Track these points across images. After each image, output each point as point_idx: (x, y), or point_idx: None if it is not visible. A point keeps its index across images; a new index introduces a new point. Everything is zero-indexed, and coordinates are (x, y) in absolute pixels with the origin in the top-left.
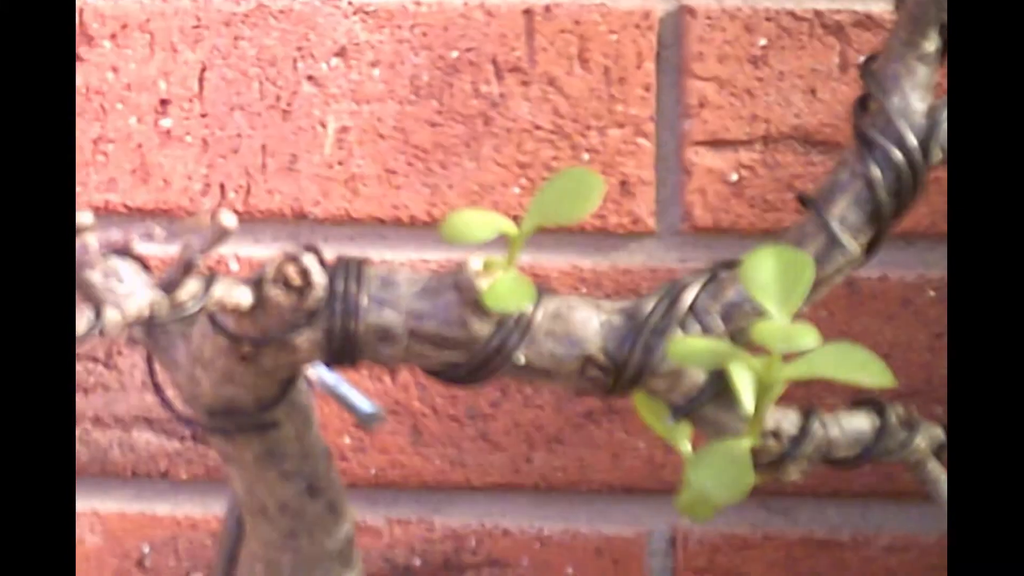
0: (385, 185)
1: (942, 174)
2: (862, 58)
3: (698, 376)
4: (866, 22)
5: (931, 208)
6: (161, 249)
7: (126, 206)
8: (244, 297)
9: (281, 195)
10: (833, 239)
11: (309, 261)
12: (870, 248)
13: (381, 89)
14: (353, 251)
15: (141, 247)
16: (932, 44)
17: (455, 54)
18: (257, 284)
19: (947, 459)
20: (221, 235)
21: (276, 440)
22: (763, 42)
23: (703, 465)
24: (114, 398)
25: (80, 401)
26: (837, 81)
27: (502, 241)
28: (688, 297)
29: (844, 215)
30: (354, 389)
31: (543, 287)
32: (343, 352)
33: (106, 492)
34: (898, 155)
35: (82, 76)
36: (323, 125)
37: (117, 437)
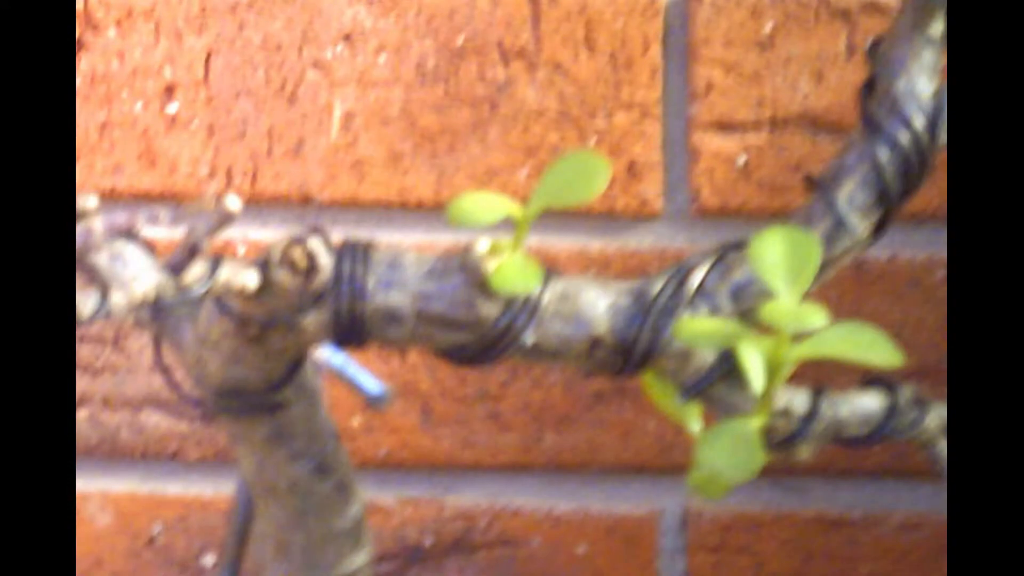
0: (392, 169)
1: None
2: (869, 42)
3: (707, 356)
4: (873, 7)
5: (939, 189)
6: (167, 233)
7: (132, 191)
8: (250, 279)
9: (288, 179)
10: (840, 220)
11: (315, 244)
12: (877, 229)
13: (387, 74)
14: (360, 235)
15: (147, 231)
16: (939, 27)
17: (461, 39)
18: (263, 267)
19: (947, 440)
20: (226, 219)
21: (284, 421)
22: (770, 27)
23: (713, 444)
24: (122, 380)
25: (89, 383)
26: (844, 66)
27: (509, 224)
28: (696, 278)
29: (851, 196)
30: (363, 370)
31: (550, 269)
32: (351, 333)
33: (116, 473)
34: (905, 137)
35: (87, 63)
36: (329, 110)
37: (126, 419)
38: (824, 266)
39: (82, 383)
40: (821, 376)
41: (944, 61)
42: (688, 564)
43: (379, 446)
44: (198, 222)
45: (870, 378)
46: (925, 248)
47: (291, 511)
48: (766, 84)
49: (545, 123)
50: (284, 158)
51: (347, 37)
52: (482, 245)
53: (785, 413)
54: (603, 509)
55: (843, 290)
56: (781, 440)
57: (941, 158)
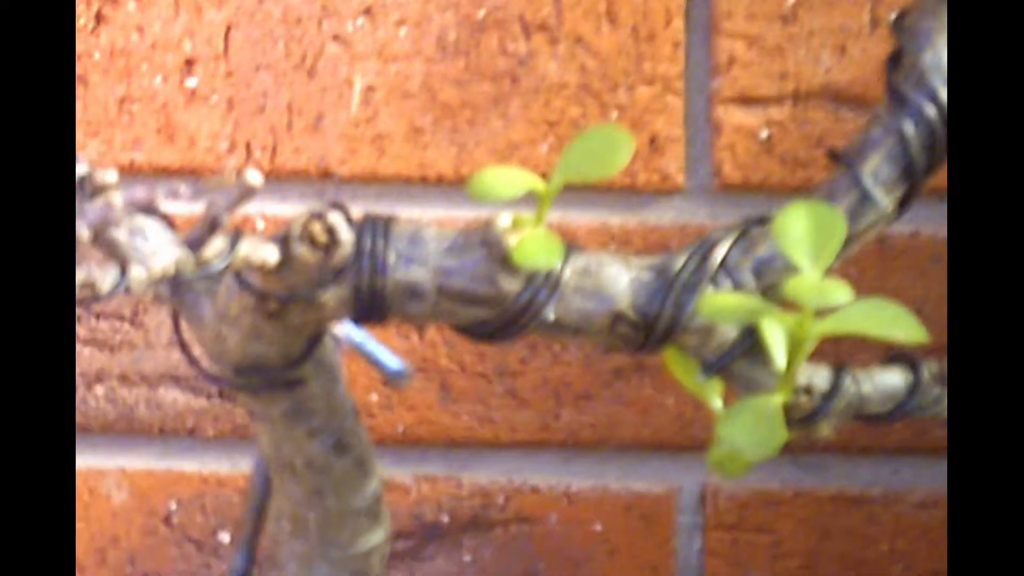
0: (412, 144)
1: None
2: (892, 16)
3: (729, 332)
4: None
5: None
6: (186, 208)
7: (151, 165)
8: (270, 254)
9: (307, 154)
10: (865, 195)
11: (335, 219)
12: (902, 204)
13: (407, 48)
14: (380, 210)
15: (166, 205)
16: None
17: (482, 12)
18: (283, 242)
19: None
20: (246, 193)
21: (303, 397)
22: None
23: (734, 421)
24: (140, 356)
25: (107, 359)
26: (867, 39)
27: (530, 199)
28: (719, 253)
29: (877, 171)
30: (382, 346)
31: (572, 244)
32: (371, 309)
33: (133, 449)
34: (931, 111)
35: (107, 36)
36: (349, 84)
37: (144, 395)
38: (848, 241)
39: (100, 359)
40: (842, 353)
41: None
42: (705, 542)
43: (397, 423)
44: (218, 197)
45: (892, 354)
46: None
47: (309, 488)
48: (789, 58)
49: (566, 97)
50: (304, 132)
51: (367, 10)
52: (503, 220)
53: (807, 390)
54: (621, 486)
55: (865, 266)
56: (803, 417)
57: None
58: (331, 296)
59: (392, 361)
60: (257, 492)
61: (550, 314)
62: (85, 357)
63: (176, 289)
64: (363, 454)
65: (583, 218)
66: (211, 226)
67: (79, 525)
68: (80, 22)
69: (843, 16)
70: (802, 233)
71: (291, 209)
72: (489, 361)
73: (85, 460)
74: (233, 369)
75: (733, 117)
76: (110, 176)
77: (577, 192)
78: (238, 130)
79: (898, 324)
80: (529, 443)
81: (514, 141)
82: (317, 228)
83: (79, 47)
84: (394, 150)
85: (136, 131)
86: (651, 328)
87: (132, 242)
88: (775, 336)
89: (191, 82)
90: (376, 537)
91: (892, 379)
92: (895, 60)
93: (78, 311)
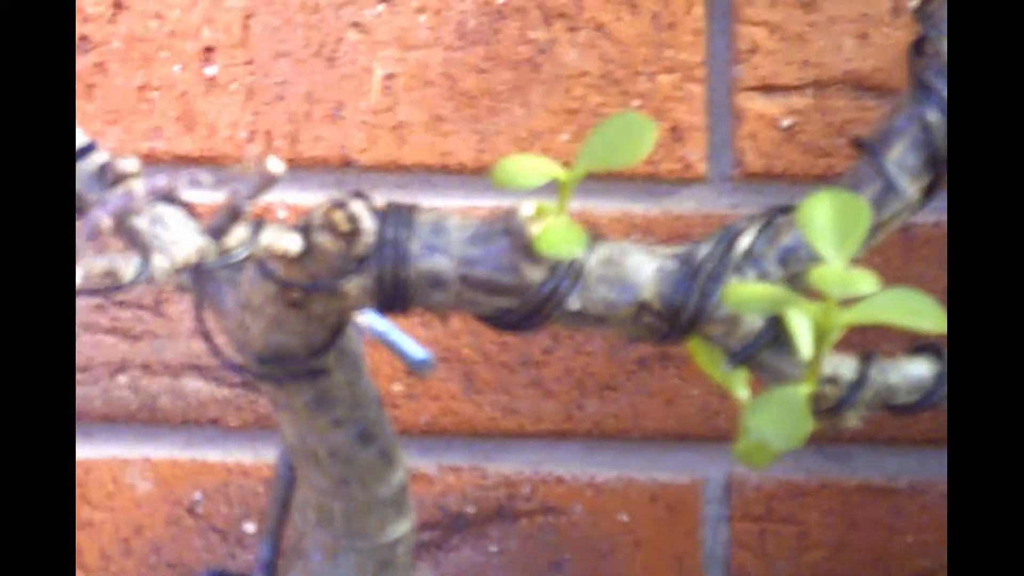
0: (433, 132)
1: None
2: (913, 3)
3: (755, 322)
4: None
5: None
6: (208, 196)
7: (171, 154)
8: (293, 243)
9: (327, 143)
10: (890, 184)
11: (358, 207)
12: (927, 192)
13: (427, 35)
14: (401, 199)
15: (188, 194)
16: None
17: (502, 0)
18: (305, 231)
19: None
20: (268, 181)
21: (327, 387)
22: None
23: (761, 412)
24: (163, 345)
25: (129, 348)
26: (889, 26)
27: (551, 188)
28: (744, 242)
29: (901, 159)
30: (405, 336)
31: (595, 233)
32: (394, 299)
33: (156, 439)
34: None
35: (125, 24)
36: (369, 72)
37: (167, 384)
38: (873, 230)
39: (122, 348)
40: (867, 343)
41: None
42: (731, 533)
43: (421, 413)
44: (240, 185)
45: (919, 344)
46: None
47: (333, 478)
48: (811, 45)
49: (587, 85)
50: (323, 121)
51: None
52: (527, 208)
53: (833, 380)
54: (646, 477)
55: (890, 255)
56: (829, 407)
57: None
58: (354, 285)
59: (416, 350)
60: (282, 482)
61: (574, 303)
62: (107, 346)
63: (198, 278)
64: (388, 444)
65: (605, 207)
66: (233, 215)
67: (103, 515)
68: (99, 10)
69: (865, 3)
70: (827, 222)
71: (311, 198)
72: (513, 351)
73: (109, 449)
74: (256, 358)
75: (755, 105)
76: (131, 164)
77: (599, 181)
78: (258, 118)
79: (923, 314)
80: (554, 433)
81: (535, 129)
82: (339, 217)
83: (98, 35)
84: (414, 139)
85: (156, 119)
86: (676, 318)
87: (153, 231)
88: (801, 326)
89: (210, 70)
90: (402, 527)
91: (919, 369)
92: (918, 47)
93: (100, 300)
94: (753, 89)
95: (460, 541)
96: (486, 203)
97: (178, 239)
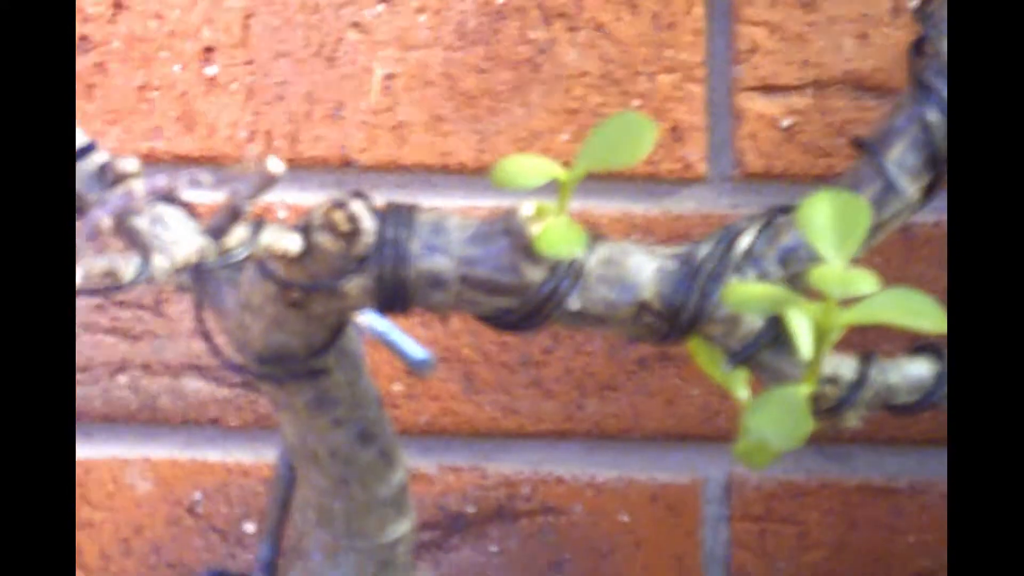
0: (432, 132)
1: None
2: (913, 3)
3: (755, 322)
4: None
5: None
6: (208, 196)
7: (171, 154)
8: (293, 243)
9: (327, 143)
10: (890, 184)
11: (358, 207)
12: (927, 192)
13: (427, 35)
14: (401, 199)
15: (188, 194)
16: None
17: (501, 0)
18: (305, 231)
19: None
20: (268, 181)
21: (327, 387)
22: None
23: (761, 412)
24: (163, 345)
25: (129, 348)
26: (889, 26)
27: (551, 188)
28: (744, 242)
29: (901, 159)
30: (405, 336)
31: (595, 233)
32: (394, 299)
33: (156, 439)
34: None
35: (125, 24)
36: (369, 72)
37: (167, 384)
38: (873, 230)
39: (122, 348)
40: (866, 343)
41: None
42: (732, 533)
43: (420, 413)
44: (240, 185)
45: (919, 344)
46: None
47: (333, 478)
48: (811, 45)
49: (587, 85)
50: (323, 121)
51: None
52: (527, 208)
53: (833, 380)
54: (646, 477)
55: (890, 255)
56: (829, 407)
57: None
58: (354, 285)
59: (416, 350)
60: (282, 482)
61: (574, 303)
62: (107, 346)
63: (198, 278)
64: (388, 444)
65: (605, 207)
66: (233, 215)
67: (103, 515)
68: (99, 10)
69: (865, 3)
70: (827, 222)
71: (311, 198)
72: (513, 351)
73: (109, 449)
74: (256, 358)
75: (755, 105)
76: (131, 164)
77: (599, 181)
78: (258, 118)
79: (923, 314)
80: (554, 433)
81: (535, 129)
82: (339, 217)
83: (98, 35)
84: (414, 139)
85: (156, 119)
86: (676, 318)
87: (154, 231)
88: (801, 326)
89: (210, 70)
90: (402, 527)
91: (919, 369)
92: (918, 47)
93: (100, 300)
94: (753, 89)
95: (460, 541)
96: (486, 203)
97: (178, 239)
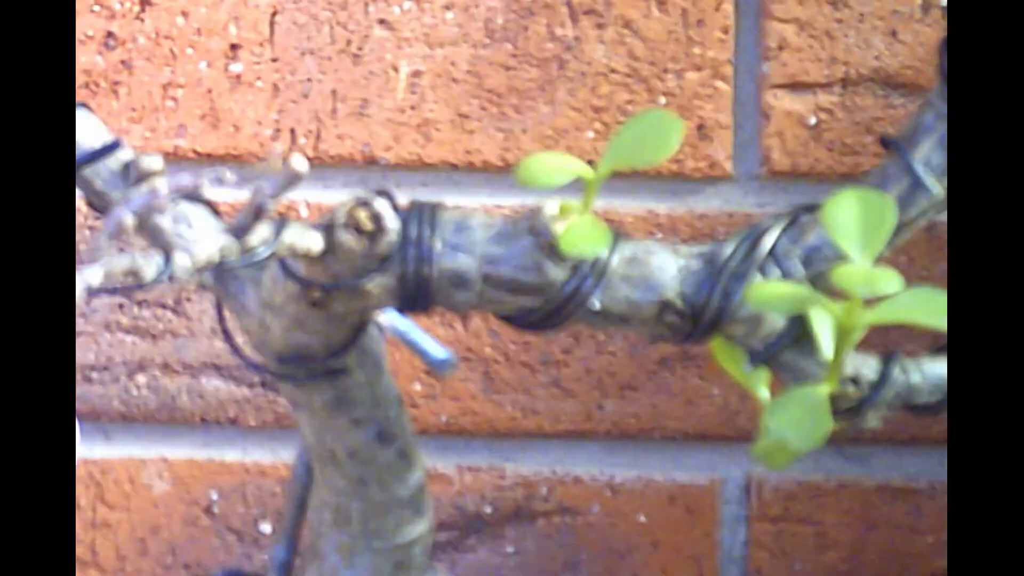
0: (458, 130)
1: None
2: (943, 0)
3: (777, 321)
4: None
5: None
6: (231, 194)
7: (196, 151)
8: (315, 242)
9: (352, 140)
10: (917, 182)
11: (381, 205)
12: None
13: (454, 32)
14: (425, 197)
15: (211, 192)
16: None
17: None
18: (328, 229)
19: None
20: (292, 180)
21: (346, 387)
22: None
23: (781, 412)
24: (183, 344)
25: (149, 347)
26: (918, 23)
27: (575, 187)
28: (768, 241)
29: (928, 157)
30: (426, 335)
31: (619, 232)
32: (416, 298)
33: (174, 439)
34: None
35: (152, 21)
36: (395, 69)
37: (186, 383)
38: (900, 229)
39: (142, 347)
40: (888, 342)
41: None
42: (750, 533)
43: (440, 413)
44: (264, 183)
45: (942, 344)
46: None
47: (351, 478)
48: (839, 42)
49: (614, 83)
50: (348, 118)
51: None
52: (551, 207)
53: (855, 380)
54: (664, 477)
55: (914, 254)
56: (850, 407)
57: None
58: (376, 284)
59: (437, 350)
60: (299, 482)
61: (596, 303)
62: (127, 345)
63: (220, 277)
64: (406, 444)
65: (630, 206)
66: (256, 213)
67: (120, 515)
68: (125, 6)
69: (894, 1)
70: (852, 221)
71: (335, 196)
72: (533, 351)
73: (126, 449)
74: (276, 358)
75: (782, 103)
76: (155, 162)
77: (623, 179)
78: (283, 116)
79: (947, 313)
80: (573, 433)
81: (561, 127)
82: (362, 215)
83: (124, 32)
84: (440, 136)
85: (180, 117)
86: (699, 317)
87: (176, 229)
88: (823, 325)
89: (236, 67)
90: (419, 528)
91: (941, 369)
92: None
93: (121, 299)
94: (781, 87)
95: (477, 542)
96: (511, 201)
97: (201, 237)
